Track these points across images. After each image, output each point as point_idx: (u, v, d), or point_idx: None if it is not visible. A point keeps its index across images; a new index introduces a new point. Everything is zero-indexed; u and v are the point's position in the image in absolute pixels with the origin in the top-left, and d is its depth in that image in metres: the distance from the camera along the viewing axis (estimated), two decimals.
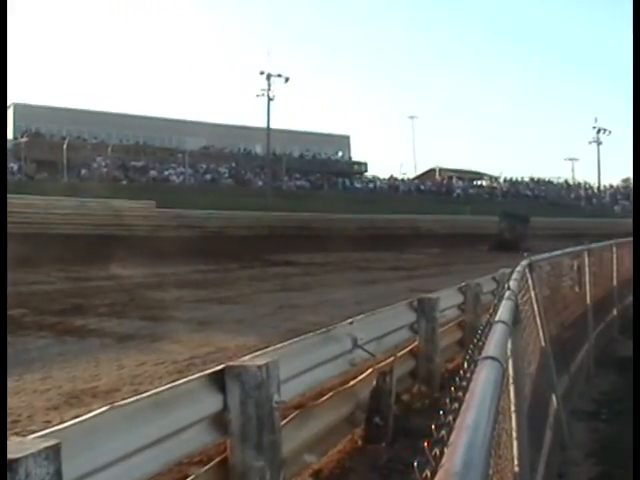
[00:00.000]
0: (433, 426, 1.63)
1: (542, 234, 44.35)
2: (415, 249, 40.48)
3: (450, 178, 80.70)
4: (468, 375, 2.11)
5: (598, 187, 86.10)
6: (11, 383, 9.58)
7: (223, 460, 4.97)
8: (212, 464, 4.98)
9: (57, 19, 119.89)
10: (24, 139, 56.68)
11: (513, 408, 3.98)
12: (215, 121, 72.31)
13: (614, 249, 14.34)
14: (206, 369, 5.32)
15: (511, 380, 3.92)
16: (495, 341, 2.64)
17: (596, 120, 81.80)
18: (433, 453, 1.48)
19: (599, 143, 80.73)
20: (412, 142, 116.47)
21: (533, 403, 5.37)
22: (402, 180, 78.31)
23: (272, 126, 63.09)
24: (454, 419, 1.68)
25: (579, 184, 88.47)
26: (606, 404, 9.35)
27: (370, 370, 7.75)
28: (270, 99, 61.84)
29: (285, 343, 6.24)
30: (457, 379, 2.07)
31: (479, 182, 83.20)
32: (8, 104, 61.98)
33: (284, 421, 5.52)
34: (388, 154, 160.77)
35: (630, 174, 76.53)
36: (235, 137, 71.71)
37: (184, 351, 12.03)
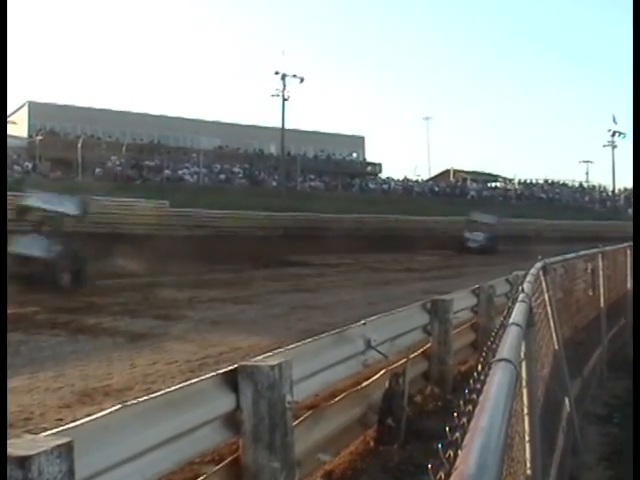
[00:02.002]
0: (447, 428, 1.62)
1: (555, 237, 44.23)
2: (429, 251, 40.45)
3: (464, 180, 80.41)
4: (482, 377, 2.10)
5: (613, 190, 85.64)
6: (24, 381, 9.64)
7: (235, 460, 4.97)
8: (224, 463, 4.98)
9: (74, 18, 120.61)
10: (39, 137, 56.76)
11: (526, 411, 3.96)
12: (230, 121, 72.28)
13: (628, 252, 14.24)
14: (219, 369, 5.32)
15: (524, 383, 3.91)
16: (509, 343, 2.63)
17: (614, 120, 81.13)
18: (447, 455, 1.48)
19: (614, 146, 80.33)
20: (427, 143, 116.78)
21: (546, 406, 5.35)
22: (416, 181, 78.06)
23: (287, 126, 63.09)
24: (468, 421, 1.67)
25: (593, 187, 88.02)
26: (619, 408, 9.31)
27: (383, 371, 7.75)
28: (285, 99, 61.76)
29: (298, 344, 6.24)
30: (471, 381, 2.06)
31: (493, 184, 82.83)
32: (23, 102, 62.46)
33: (296, 421, 5.52)
34: (403, 155, 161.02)
35: None
36: (249, 137, 71.58)
37: (197, 350, 12.05)
